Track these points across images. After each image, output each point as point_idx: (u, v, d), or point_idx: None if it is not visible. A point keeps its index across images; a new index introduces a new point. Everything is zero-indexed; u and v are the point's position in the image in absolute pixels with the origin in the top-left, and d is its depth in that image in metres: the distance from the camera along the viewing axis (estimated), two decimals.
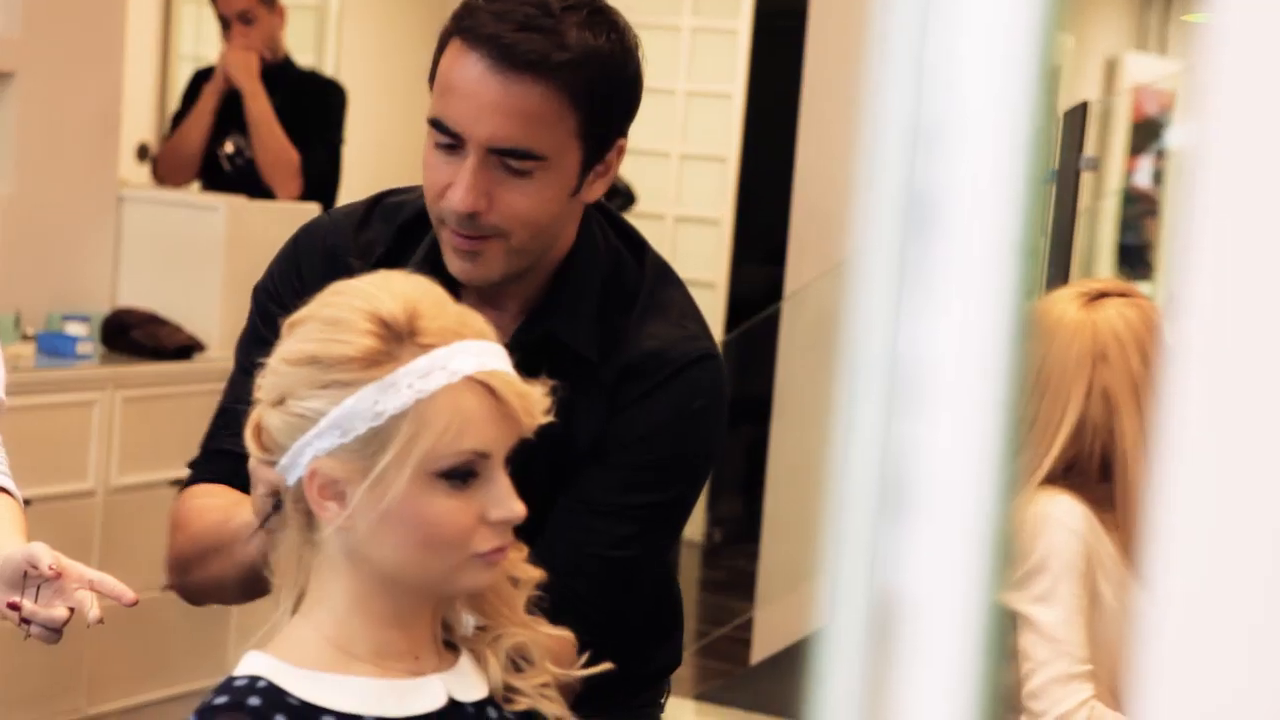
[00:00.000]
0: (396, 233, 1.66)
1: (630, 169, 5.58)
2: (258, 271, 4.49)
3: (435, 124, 1.56)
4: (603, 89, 1.54)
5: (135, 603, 1.57)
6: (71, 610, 1.54)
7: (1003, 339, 0.41)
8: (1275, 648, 0.47)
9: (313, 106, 4.44)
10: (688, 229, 6.65)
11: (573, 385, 1.59)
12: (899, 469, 0.42)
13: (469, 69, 1.52)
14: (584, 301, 1.63)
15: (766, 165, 6.32)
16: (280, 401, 1.27)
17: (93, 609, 1.55)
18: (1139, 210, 7.55)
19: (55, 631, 1.55)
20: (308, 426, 1.25)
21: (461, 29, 1.54)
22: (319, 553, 1.30)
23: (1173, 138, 7.62)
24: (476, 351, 1.26)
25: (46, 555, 1.54)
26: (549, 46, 1.51)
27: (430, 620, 1.33)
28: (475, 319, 1.30)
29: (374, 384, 1.24)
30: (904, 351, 0.42)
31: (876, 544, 0.42)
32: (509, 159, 1.53)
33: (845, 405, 0.43)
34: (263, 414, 1.29)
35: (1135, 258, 7.49)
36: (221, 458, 1.66)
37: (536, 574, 1.37)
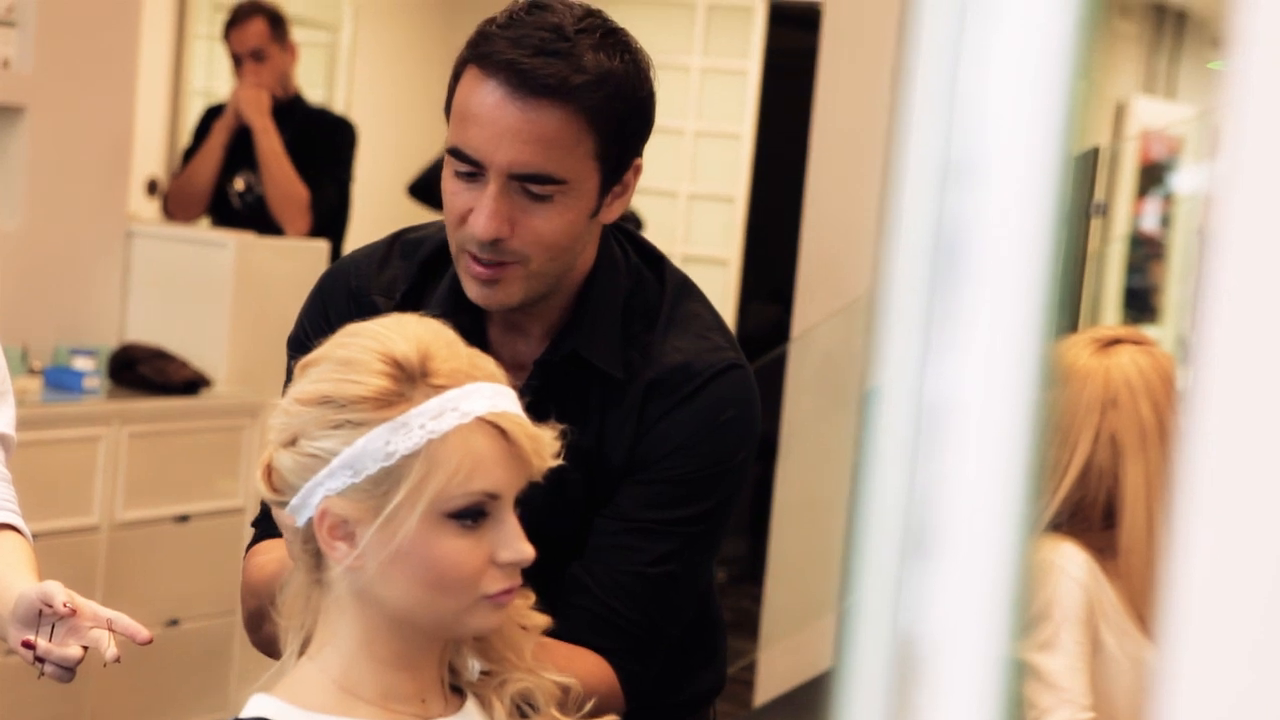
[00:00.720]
0: (419, 269, 1.67)
1: (638, 207, 5.59)
2: (266, 308, 4.53)
3: (454, 153, 1.56)
4: (619, 110, 1.54)
5: (149, 641, 1.56)
6: (85, 649, 1.54)
7: (1028, 381, 0.41)
8: None
9: (323, 143, 4.46)
10: (695, 268, 6.63)
11: (601, 403, 1.61)
12: (922, 511, 0.42)
13: (487, 96, 1.52)
14: (607, 320, 1.63)
15: (775, 205, 6.33)
16: (292, 442, 1.28)
17: (109, 648, 1.54)
18: (1144, 254, 7.56)
19: (69, 670, 1.54)
20: (319, 466, 1.26)
21: (477, 56, 1.54)
22: (327, 594, 1.30)
23: (1180, 182, 7.64)
24: (488, 393, 1.27)
25: (61, 593, 1.54)
26: (566, 70, 1.51)
27: (437, 664, 1.33)
28: (487, 362, 1.30)
29: (386, 424, 1.24)
30: (929, 392, 0.42)
31: (899, 586, 0.42)
32: (530, 184, 1.53)
33: (869, 445, 0.43)
34: (274, 455, 1.29)
35: (1141, 301, 7.50)
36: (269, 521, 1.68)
37: (543, 620, 1.37)
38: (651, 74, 1.61)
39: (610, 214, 1.60)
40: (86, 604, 1.56)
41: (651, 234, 6.18)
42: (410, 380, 1.26)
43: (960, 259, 0.41)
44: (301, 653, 1.32)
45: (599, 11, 1.60)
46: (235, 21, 4.43)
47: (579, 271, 1.63)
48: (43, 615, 1.54)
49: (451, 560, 1.25)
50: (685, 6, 6.73)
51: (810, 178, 4.30)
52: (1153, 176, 7.56)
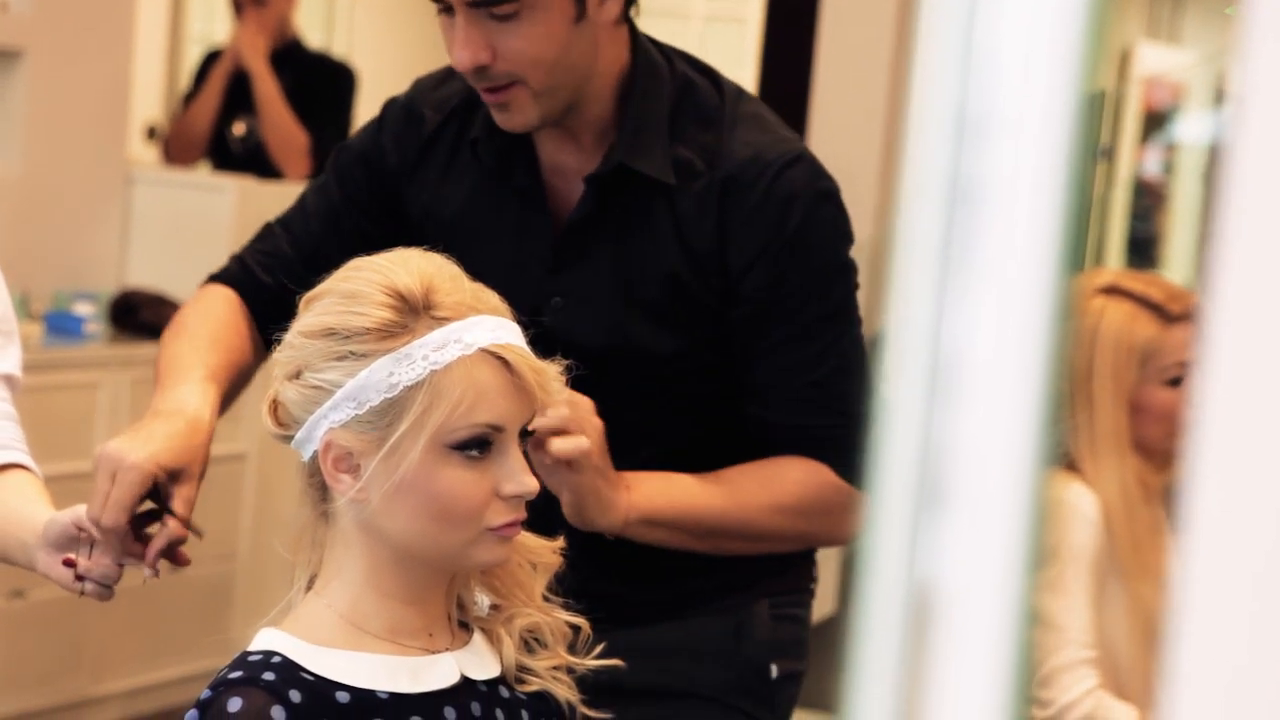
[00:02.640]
0: (471, 88, 1.68)
1: None
2: None
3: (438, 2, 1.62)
4: None
5: (198, 534, 1.55)
6: (122, 566, 1.54)
7: (1043, 330, 0.41)
8: None
9: (323, 89, 4.44)
10: None
11: (670, 209, 1.63)
12: (938, 460, 0.42)
13: None
14: (651, 125, 1.64)
15: None
16: (297, 375, 1.28)
17: (146, 568, 1.54)
18: (1147, 202, 7.55)
19: (108, 588, 1.54)
20: (323, 399, 1.26)
21: None
22: (333, 528, 1.31)
23: (1183, 130, 7.61)
24: (491, 325, 1.27)
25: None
26: None
27: (444, 598, 1.34)
28: (490, 295, 1.31)
29: (389, 355, 1.25)
30: (944, 342, 0.41)
31: (914, 535, 0.42)
32: (492, 7, 1.55)
33: (883, 394, 0.42)
34: (279, 388, 1.29)
35: (1143, 250, 7.49)
36: (238, 265, 1.77)
37: (555, 560, 1.38)
38: None
39: (605, 13, 1.60)
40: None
41: None
42: (413, 312, 1.26)
43: (975, 210, 0.41)
44: (309, 588, 1.33)
45: None
46: None
47: (608, 78, 1.63)
48: (77, 538, 1.54)
49: (455, 492, 1.26)
50: None
51: (812, 127, 4.29)
52: (1156, 123, 7.53)
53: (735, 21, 6.65)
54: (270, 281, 1.73)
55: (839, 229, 1.67)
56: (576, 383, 1.41)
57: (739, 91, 1.73)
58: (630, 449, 1.58)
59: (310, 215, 1.82)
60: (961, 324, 0.41)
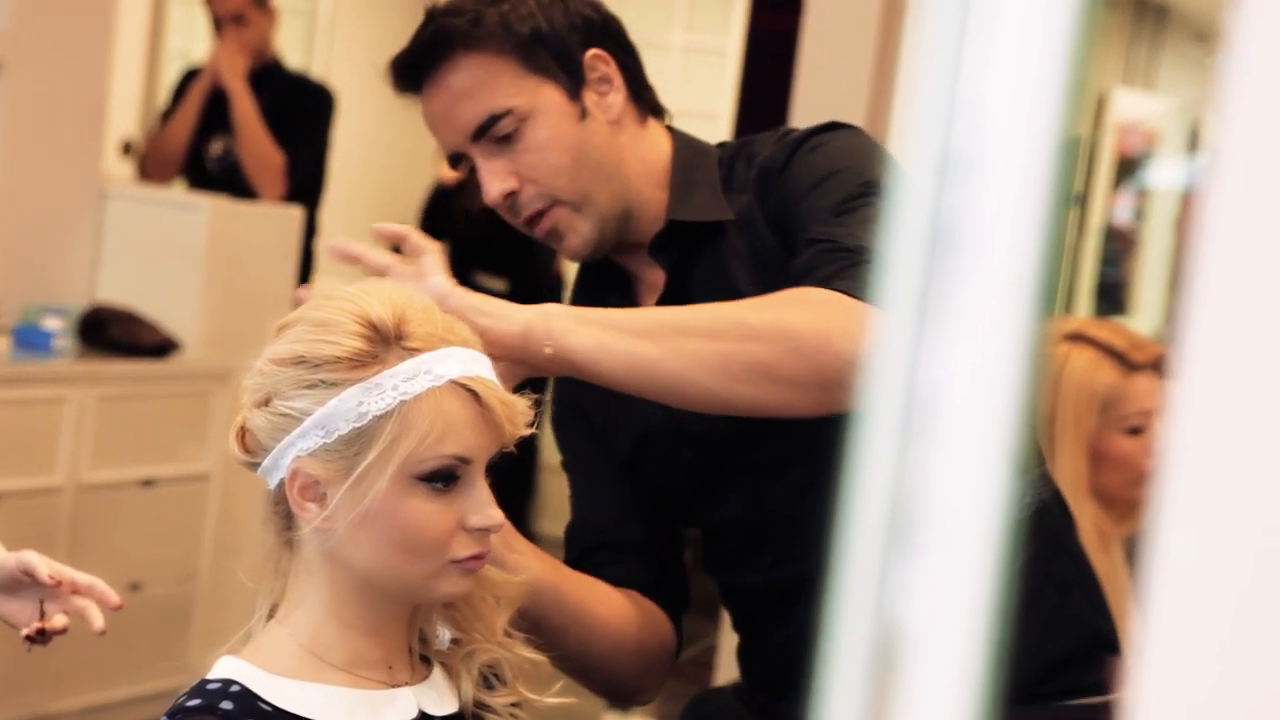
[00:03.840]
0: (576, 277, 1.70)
1: None
2: (238, 272, 4.51)
3: (452, 162, 1.63)
4: (518, 22, 1.58)
5: (119, 606, 1.57)
6: (67, 617, 1.56)
7: (1017, 374, 0.41)
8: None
9: (301, 109, 4.43)
10: None
11: (735, 247, 1.57)
12: (909, 500, 0.41)
13: (423, 103, 1.61)
14: (699, 181, 1.61)
15: None
16: (266, 402, 1.28)
17: (98, 619, 1.56)
18: (1117, 247, 7.59)
19: (49, 638, 1.57)
20: (292, 426, 1.26)
21: (398, 90, 1.62)
22: (297, 556, 1.30)
23: (1155, 176, 7.66)
24: (462, 357, 1.27)
25: (43, 565, 1.55)
26: (441, 29, 1.58)
27: (405, 630, 1.33)
28: (462, 327, 1.31)
29: (359, 385, 1.24)
30: (919, 382, 0.41)
31: (883, 576, 0.42)
32: (491, 132, 1.56)
33: (857, 433, 0.42)
34: (248, 415, 1.29)
35: (1112, 295, 7.53)
36: None
37: (519, 594, 1.37)
38: None
39: (608, 108, 1.60)
40: (64, 571, 1.56)
41: None
42: (385, 342, 1.26)
43: (954, 250, 0.41)
44: (270, 617, 1.32)
45: None
46: None
47: (652, 177, 1.62)
48: (24, 586, 1.55)
49: (420, 523, 1.25)
50: None
51: None
52: (1128, 169, 7.59)
53: (715, 54, 6.68)
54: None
55: (855, 145, 1.57)
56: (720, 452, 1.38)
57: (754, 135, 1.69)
58: (797, 471, 1.55)
59: (591, 498, 1.72)
60: (936, 364, 0.41)
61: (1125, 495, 2.09)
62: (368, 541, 1.26)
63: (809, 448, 1.56)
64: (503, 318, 1.37)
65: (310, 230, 4.45)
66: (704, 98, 6.65)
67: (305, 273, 4.40)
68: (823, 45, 4.24)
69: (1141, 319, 7.50)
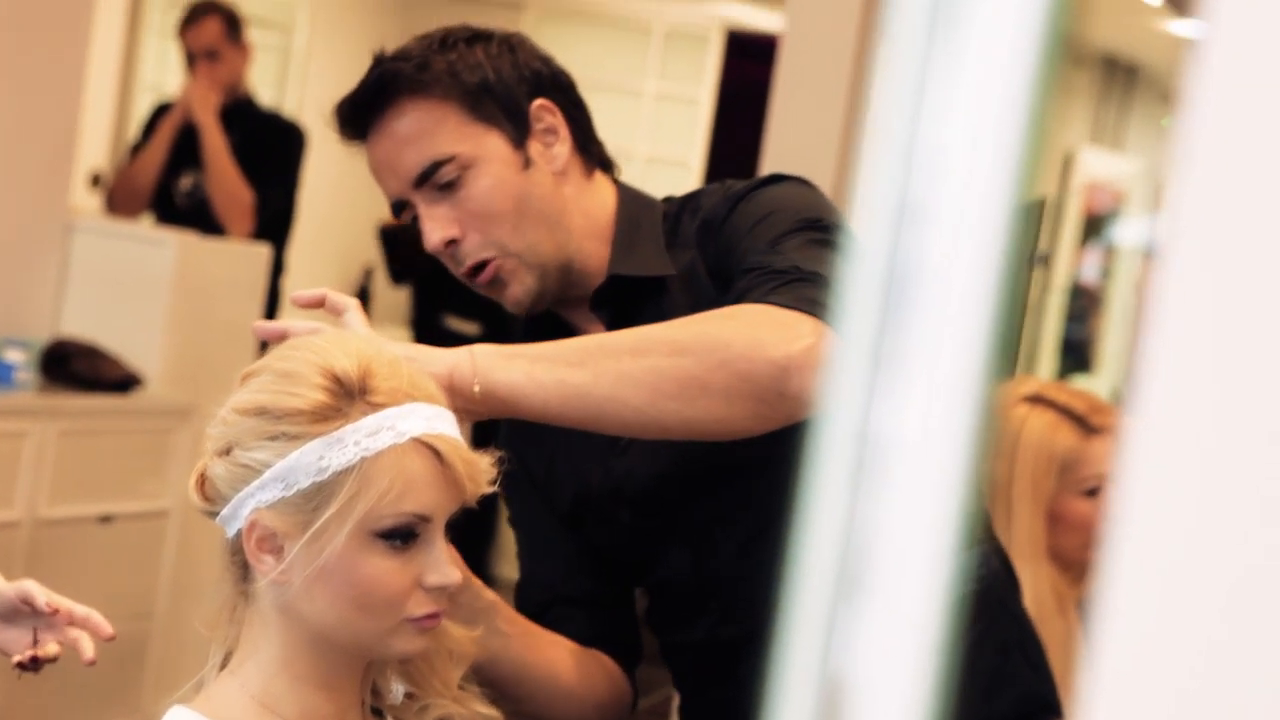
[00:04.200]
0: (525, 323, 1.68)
1: None
2: (204, 309, 4.48)
3: (395, 209, 1.62)
4: (465, 70, 1.57)
5: (112, 638, 1.57)
6: (60, 647, 1.57)
7: (968, 425, 0.41)
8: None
9: (272, 147, 4.43)
10: None
11: (678, 300, 1.56)
12: (858, 548, 0.41)
13: (368, 152, 1.60)
14: (642, 235, 1.60)
15: None
16: (227, 451, 1.26)
17: (89, 650, 1.56)
18: (1083, 304, 7.64)
19: (40, 666, 1.57)
20: (251, 477, 1.25)
21: (344, 136, 1.62)
22: (251, 607, 1.29)
23: (1121, 235, 7.72)
24: (426, 414, 1.26)
25: (41, 594, 1.55)
26: (380, 76, 1.57)
27: (359, 685, 1.32)
28: (427, 382, 1.29)
29: (321, 439, 1.23)
30: (871, 430, 0.41)
31: (830, 625, 0.41)
32: (433, 178, 1.55)
33: (810, 480, 0.42)
34: (208, 463, 1.28)
35: (1077, 352, 7.57)
36: None
37: (473, 650, 1.36)
38: (508, 43, 1.61)
39: (553, 159, 1.59)
40: (62, 601, 1.57)
41: None
42: (349, 396, 1.25)
43: (909, 299, 0.41)
44: (223, 666, 1.31)
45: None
46: (191, 20, 4.40)
47: (596, 229, 1.60)
48: (20, 614, 1.57)
49: (377, 580, 1.24)
50: (642, 32, 6.75)
51: None
52: (1095, 228, 7.64)
53: (687, 102, 6.71)
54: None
55: (796, 192, 1.56)
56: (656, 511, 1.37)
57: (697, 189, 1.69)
58: (737, 530, 1.55)
59: (538, 554, 1.70)
60: (888, 412, 0.41)
61: (1082, 558, 2.11)
62: (324, 596, 1.25)
63: (749, 506, 1.57)
64: (428, 361, 1.34)
65: (278, 268, 4.43)
66: (676, 146, 6.68)
67: (272, 310, 4.38)
68: (795, 96, 4.27)
69: (1105, 377, 7.53)
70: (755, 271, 1.44)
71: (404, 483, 1.24)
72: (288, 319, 1.41)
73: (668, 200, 1.65)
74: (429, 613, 1.27)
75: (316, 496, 1.23)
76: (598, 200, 1.62)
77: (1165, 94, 8.52)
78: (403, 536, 1.25)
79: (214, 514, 1.28)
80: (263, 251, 4.25)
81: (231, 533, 1.27)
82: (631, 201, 1.63)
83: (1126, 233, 7.74)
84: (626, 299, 1.58)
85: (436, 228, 1.55)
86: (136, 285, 4.03)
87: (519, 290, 1.57)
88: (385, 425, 1.24)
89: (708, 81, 6.67)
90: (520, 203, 1.56)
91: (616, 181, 1.65)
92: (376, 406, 1.24)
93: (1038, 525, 2.08)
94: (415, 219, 1.58)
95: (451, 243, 1.56)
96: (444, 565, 1.26)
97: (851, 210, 0.43)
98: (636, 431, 1.38)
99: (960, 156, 0.40)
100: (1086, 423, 2.11)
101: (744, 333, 1.33)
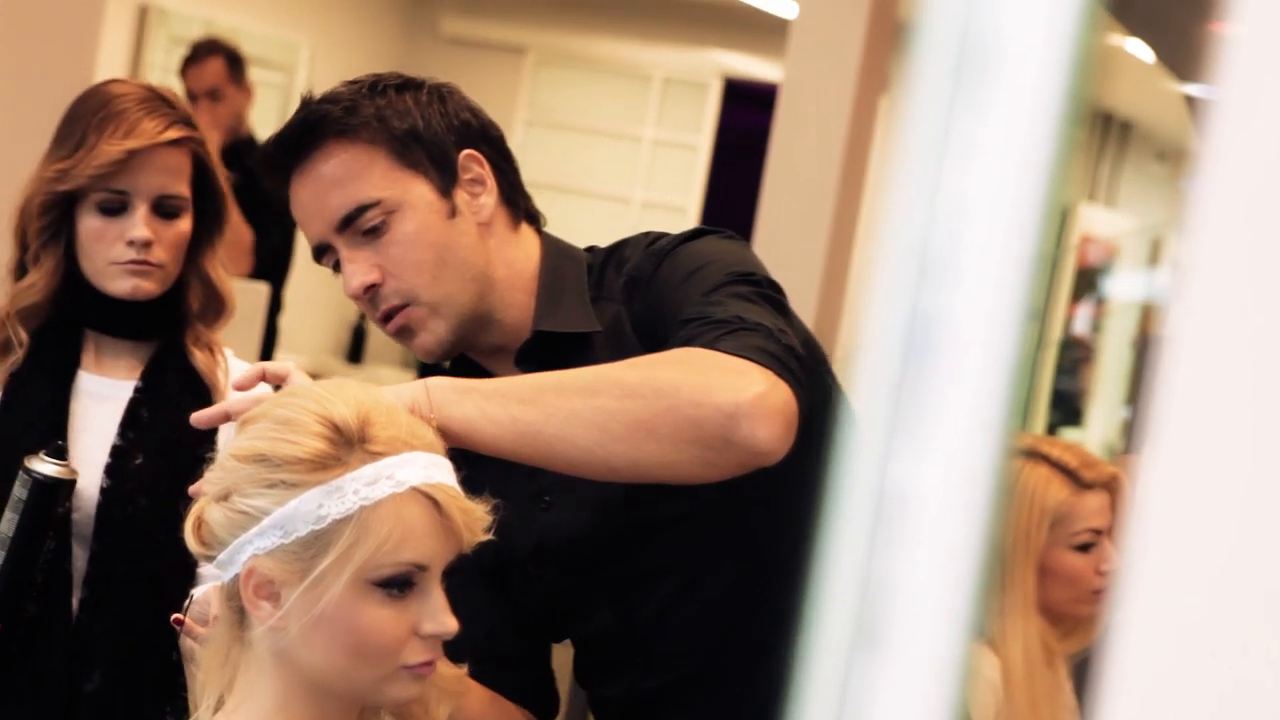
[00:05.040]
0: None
1: None
2: None
3: (316, 253, 1.60)
4: (394, 116, 1.57)
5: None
6: None
7: (987, 476, 0.41)
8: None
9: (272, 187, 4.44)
10: None
11: (606, 353, 1.53)
12: (875, 602, 0.42)
13: (291, 194, 1.59)
14: (567, 289, 1.59)
15: None
16: (225, 497, 1.26)
17: None
18: (1074, 357, 7.66)
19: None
20: (250, 524, 1.24)
21: (269, 178, 1.61)
22: (247, 652, 1.28)
23: (1113, 288, 7.75)
24: (424, 464, 1.26)
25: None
26: (310, 118, 1.57)
27: None
28: (426, 431, 1.29)
29: (320, 487, 1.23)
30: (890, 482, 0.42)
31: (847, 674, 0.42)
32: (357, 223, 1.54)
33: (829, 533, 0.43)
34: (205, 508, 1.27)
35: (1067, 404, 7.58)
36: None
37: (461, 688, 1.36)
38: (438, 92, 1.61)
39: (479, 209, 1.58)
40: None
41: None
42: (348, 445, 1.25)
43: (930, 352, 0.42)
44: (217, 709, 1.30)
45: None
46: (193, 59, 4.41)
47: (520, 281, 1.60)
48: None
49: (374, 628, 1.24)
50: (641, 79, 6.79)
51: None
52: (1087, 281, 7.67)
53: (685, 149, 6.75)
54: None
55: (724, 246, 1.56)
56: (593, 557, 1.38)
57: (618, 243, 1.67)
58: (660, 585, 1.55)
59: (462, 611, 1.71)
60: (907, 466, 0.42)
61: (1071, 611, 2.12)
62: (320, 644, 1.25)
63: (672, 562, 1.57)
64: (388, 396, 1.35)
65: (276, 306, 4.44)
66: (673, 191, 6.71)
67: (269, 348, 4.39)
68: (793, 143, 4.29)
69: (1096, 429, 7.54)
70: (697, 321, 1.44)
71: (402, 532, 1.24)
72: (281, 359, 1.40)
73: (591, 251, 1.65)
74: (424, 660, 1.26)
75: (315, 545, 1.23)
76: (523, 252, 1.61)
77: (1158, 151, 8.57)
78: (400, 585, 1.25)
79: (210, 558, 1.28)
80: (261, 289, 4.25)
81: (228, 578, 1.27)
82: (556, 254, 1.63)
83: (1120, 286, 7.77)
84: (551, 355, 1.55)
85: (357, 272, 1.54)
86: None
87: (430, 340, 1.56)
88: (384, 474, 1.24)
89: (705, 128, 6.70)
90: (443, 251, 1.55)
91: (542, 233, 1.65)
92: (375, 455, 1.24)
93: (1029, 578, 2.09)
94: (335, 266, 1.58)
95: (371, 288, 1.55)
96: (440, 614, 1.26)
97: (874, 263, 0.43)
98: (586, 471, 1.38)
99: (982, 211, 0.41)
100: (1078, 477, 2.13)
101: (694, 379, 1.34)
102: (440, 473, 1.27)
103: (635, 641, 1.59)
